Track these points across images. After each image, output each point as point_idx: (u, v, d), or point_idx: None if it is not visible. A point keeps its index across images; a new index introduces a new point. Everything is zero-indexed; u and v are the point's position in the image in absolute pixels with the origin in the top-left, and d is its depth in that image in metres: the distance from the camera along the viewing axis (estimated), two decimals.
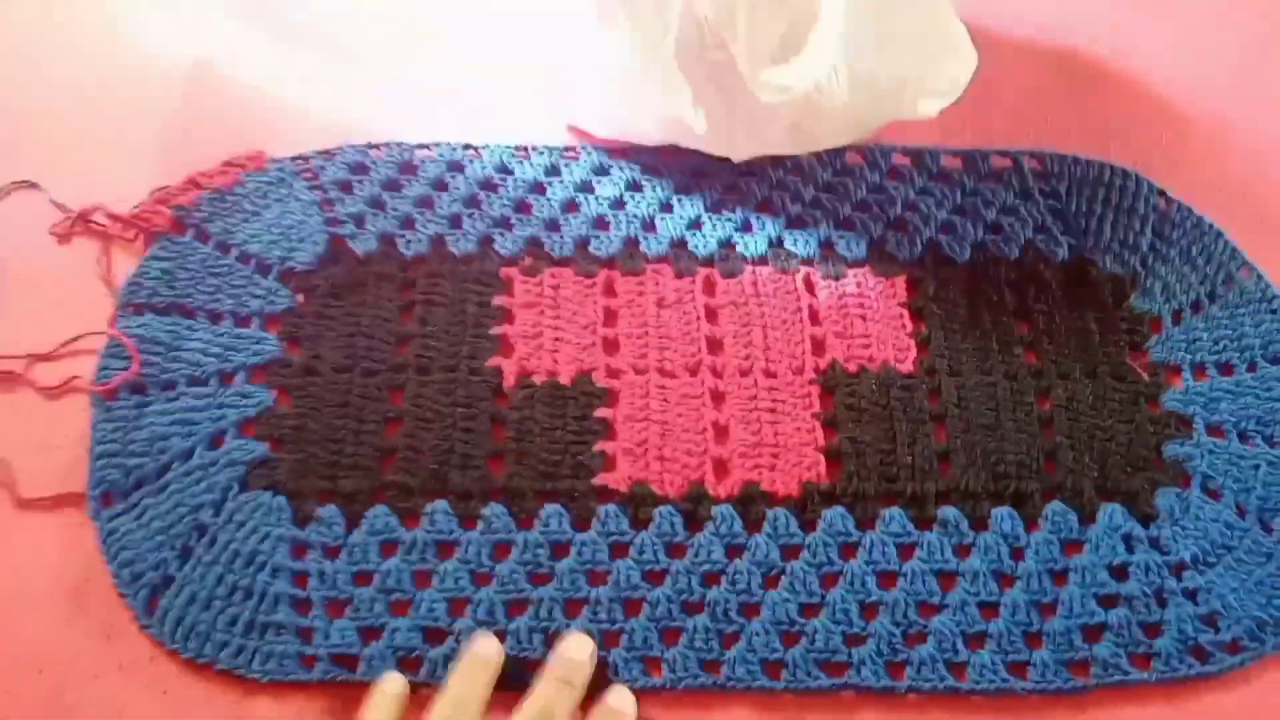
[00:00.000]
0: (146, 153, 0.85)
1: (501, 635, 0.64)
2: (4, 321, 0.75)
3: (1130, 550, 0.68)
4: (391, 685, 0.59)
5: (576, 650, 0.59)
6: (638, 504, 0.69)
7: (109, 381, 0.71)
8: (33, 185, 0.81)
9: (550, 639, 0.64)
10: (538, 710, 0.56)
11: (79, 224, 0.80)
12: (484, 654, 0.59)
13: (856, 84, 0.75)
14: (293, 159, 0.84)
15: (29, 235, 0.79)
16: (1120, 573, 0.68)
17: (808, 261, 0.80)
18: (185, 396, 0.72)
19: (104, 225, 0.80)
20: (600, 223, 0.82)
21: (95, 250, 0.79)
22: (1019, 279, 0.80)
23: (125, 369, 0.72)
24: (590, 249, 0.81)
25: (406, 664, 0.63)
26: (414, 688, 0.59)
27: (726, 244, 0.81)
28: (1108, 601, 0.67)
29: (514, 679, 0.57)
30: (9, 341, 0.74)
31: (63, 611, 0.65)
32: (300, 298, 0.77)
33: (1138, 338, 0.78)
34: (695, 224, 0.82)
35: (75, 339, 0.74)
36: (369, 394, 0.73)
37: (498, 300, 0.78)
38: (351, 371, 0.74)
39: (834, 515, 0.69)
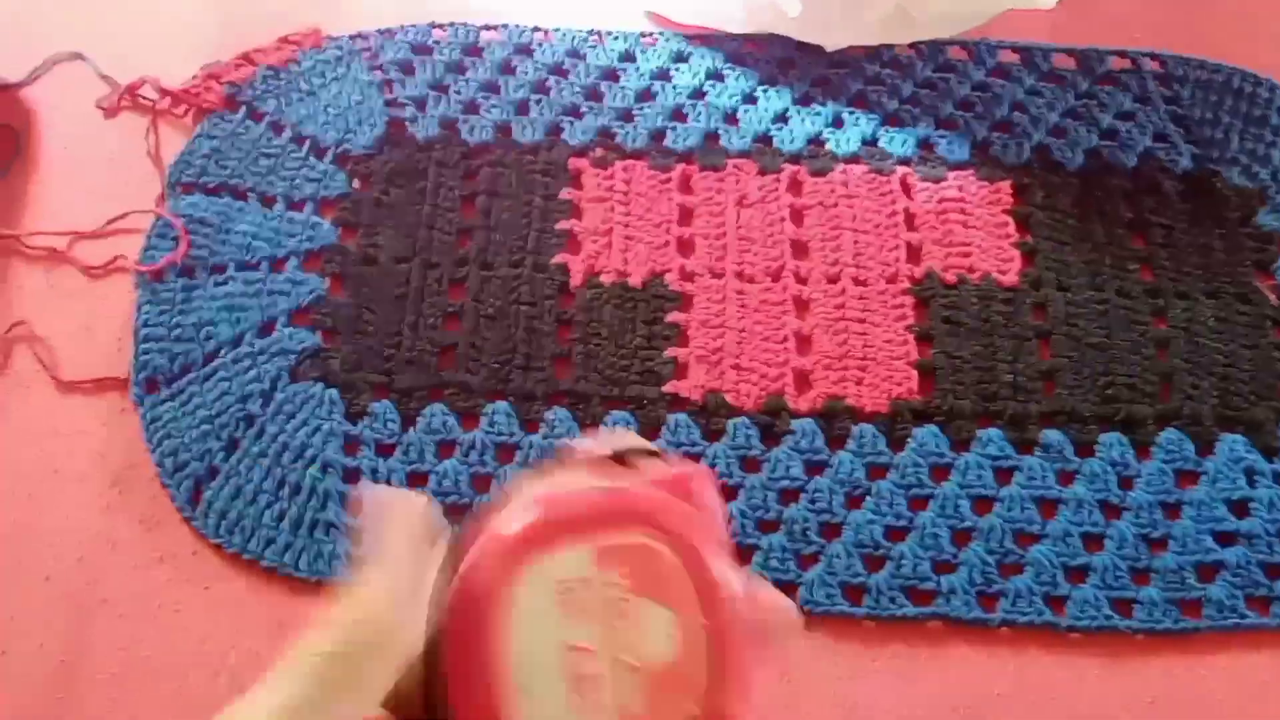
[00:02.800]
0: (199, 26, 0.80)
1: None
2: (47, 198, 0.72)
3: (1252, 485, 0.62)
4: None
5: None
6: (711, 414, 0.64)
7: (155, 263, 0.67)
8: (79, 57, 0.77)
9: None
10: None
11: (126, 98, 0.75)
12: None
13: None
14: (352, 37, 0.78)
15: (74, 109, 0.75)
16: (1240, 509, 0.62)
17: (905, 162, 0.74)
18: (235, 281, 0.68)
19: (153, 100, 0.75)
20: (677, 114, 0.76)
21: (143, 126, 0.74)
22: (1136, 190, 0.73)
23: (173, 250, 0.68)
24: (666, 142, 0.75)
25: None
26: None
27: (815, 140, 0.75)
28: (1225, 539, 0.61)
29: None
30: (52, 218, 0.70)
31: (104, 499, 0.62)
32: (357, 183, 0.72)
33: (1266, 257, 0.71)
34: (781, 118, 0.76)
35: (121, 217, 0.70)
36: (428, 287, 0.68)
37: (565, 193, 0.72)
38: (410, 262, 0.69)
39: (925, 434, 0.63)
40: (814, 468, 0.63)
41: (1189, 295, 0.69)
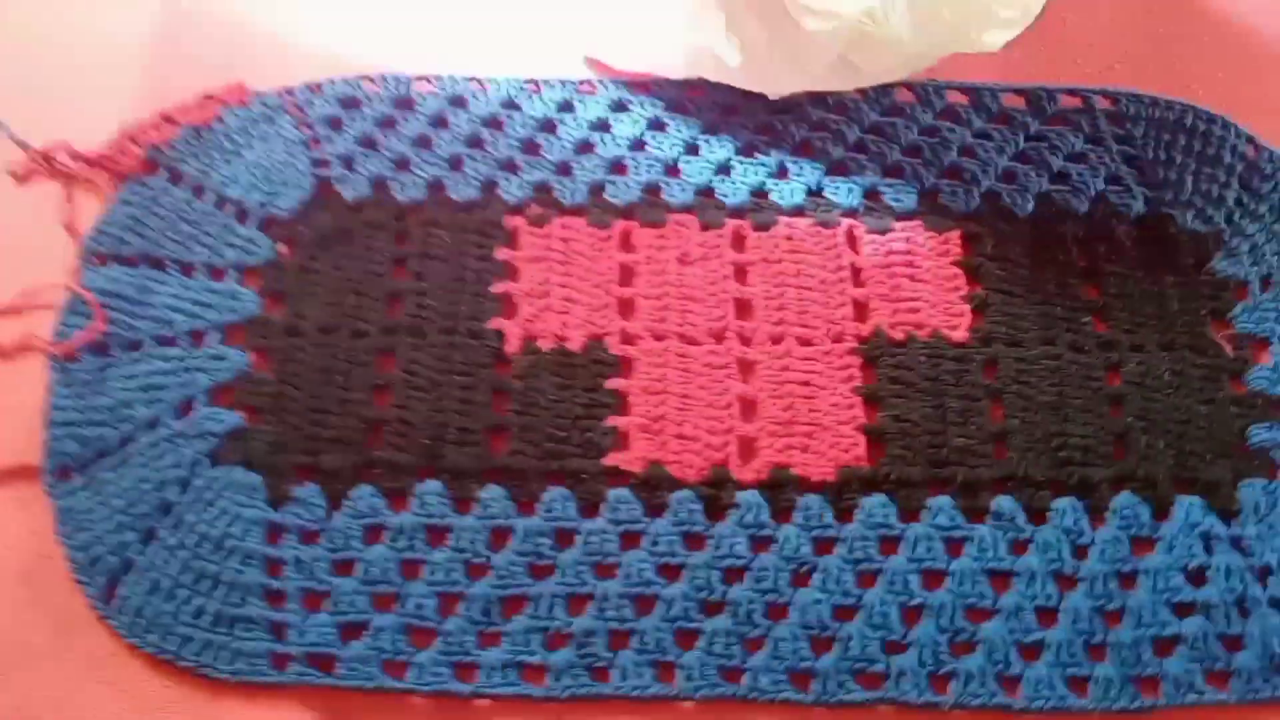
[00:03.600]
0: (117, 84, 0.77)
1: (497, 637, 0.57)
2: None
3: (1209, 551, 0.60)
4: None
5: None
6: (653, 488, 0.62)
7: (68, 341, 0.64)
8: None
9: (550, 640, 0.57)
10: None
11: (40, 163, 0.72)
12: None
13: (916, 11, 0.66)
14: (278, 93, 0.75)
15: None
16: (1197, 577, 0.60)
17: (850, 213, 0.71)
18: (151, 358, 0.65)
19: (68, 165, 0.72)
20: (617, 166, 0.73)
21: (58, 193, 0.71)
22: (1088, 236, 0.71)
23: (87, 327, 0.65)
24: (605, 196, 0.72)
25: (389, 668, 0.56)
26: None
27: (759, 192, 0.72)
28: (1182, 610, 0.59)
29: None
30: None
31: (14, 597, 0.59)
32: (282, 248, 0.69)
33: (1221, 305, 0.69)
34: (724, 169, 0.73)
35: (32, 292, 0.67)
36: (356, 359, 0.66)
37: (501, 253, 0.70)
38: (338, 333, 0.66)
39: (874, 504, 0.61)
40: (759, 543, 0.61)
41: (1143, 348, 0.67)
